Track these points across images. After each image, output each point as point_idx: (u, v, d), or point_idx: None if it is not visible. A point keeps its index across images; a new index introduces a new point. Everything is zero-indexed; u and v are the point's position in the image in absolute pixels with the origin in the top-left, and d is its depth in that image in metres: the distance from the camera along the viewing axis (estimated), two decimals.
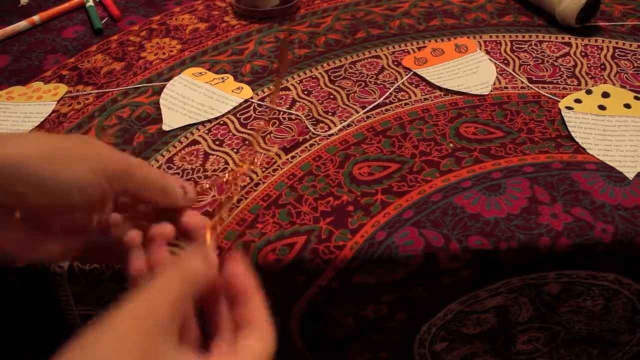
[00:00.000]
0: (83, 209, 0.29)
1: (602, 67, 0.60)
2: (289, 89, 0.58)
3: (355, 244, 0.42)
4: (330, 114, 0.55)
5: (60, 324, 0.45)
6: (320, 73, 0.60)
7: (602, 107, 0.54)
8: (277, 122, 0.54)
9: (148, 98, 0.58)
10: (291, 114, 0.55)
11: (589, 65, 0.60)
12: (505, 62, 0.61)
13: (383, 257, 0.42)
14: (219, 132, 0.53)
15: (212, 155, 0.50)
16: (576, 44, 0.63)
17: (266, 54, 0.64)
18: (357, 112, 0.55)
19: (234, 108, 0.56)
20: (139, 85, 0.60)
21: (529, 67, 0.60)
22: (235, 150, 0.51)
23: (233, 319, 0.28)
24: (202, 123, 0.54)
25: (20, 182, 0.26)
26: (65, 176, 0.27)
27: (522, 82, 0.58)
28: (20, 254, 0.29)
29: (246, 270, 0.29)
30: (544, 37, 0.65)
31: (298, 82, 0.59)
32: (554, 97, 0.56)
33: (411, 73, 0.59)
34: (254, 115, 0.55)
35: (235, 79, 0.59)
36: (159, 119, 0.55)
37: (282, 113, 0.55)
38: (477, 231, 0.42)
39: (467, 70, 0.60)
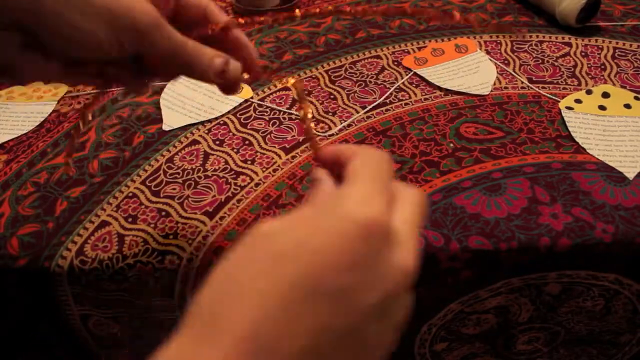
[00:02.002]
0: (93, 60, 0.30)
1: (602, 67, 0.60)
2: (289, 89, 0.58)
3: None
4: (330, 114, 0.55)
5: (60, 324, 0.45)
6: (320, 73, 0.60)
7: (602, 107, 0.54)
8: (277, 122, 0.54)
9: (148, 98, 0.58)
10: (291, 114, 0.55)
11: (589, 65, 0.60)
12: (506, 62, 0.61)
13: None
14: (219, 132, 0.53)
15: (212, 155, 0.50)
16: (576, 44, 0.63)
17: (266, 53, 0.64)
18: (357, 112, 0.55)
19: (234, 108, 0.56)
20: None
21: (529, 67, 0.60)
22: (235, 150, 0.51)
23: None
24: (202, 123, 0.54)
25: (35, 18, 0.26)
26: (82, 31, 0.27)
27: (522, 82, 0.58)
28: (25, 75, 0.30)
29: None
30: (544, 37, 0.65)
31: (298, 82, 0.59)
32: (554, 97, 0.56)
33: (411, 73, 0.59)
34: (254, 115, 0.55)
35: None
36: (159, 119, 0.55)
37: (282, 113, 0.55)
38: (477, 231, 0.42)
39: (467, 70, 0.60)
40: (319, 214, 0.24)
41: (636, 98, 0.55)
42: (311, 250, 0.22)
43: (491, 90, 0.57)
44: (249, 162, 0.49)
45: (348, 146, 0.28)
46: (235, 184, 0.47)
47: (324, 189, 0.27)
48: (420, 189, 0.28)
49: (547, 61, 0.61)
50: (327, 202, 0.25)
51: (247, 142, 0.52)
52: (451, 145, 0.50)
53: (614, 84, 0.57)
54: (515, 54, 0.62)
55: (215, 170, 0.49)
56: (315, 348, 0.21)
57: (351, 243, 0.22)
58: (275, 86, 0.58)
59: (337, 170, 0.28)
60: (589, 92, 0.56)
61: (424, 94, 0.57)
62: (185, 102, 0.57)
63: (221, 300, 0.21)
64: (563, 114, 0.53)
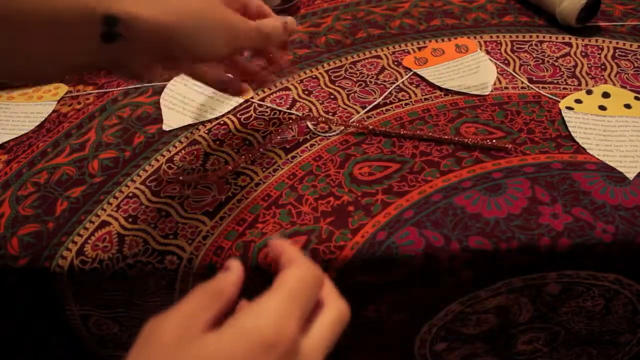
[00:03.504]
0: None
1: (603, 67, 0.60)
2: (289, 89, 0.58)
3: (355, 244, 0.42)
4: (330, 114, 0.55)
5: (60, 324, 0.45)
6: (320, 73, 0.60)
7: (602, 108, 0.54)
8: (277, 122, 0.54)
9: (148, 98, 0.58)
10: (291, 113, 0.55)
11: (589, 65, 0.60)
12: (506, 62, 0.61)
13: (383, 257, 0.42)
14: (219, 132, 0.53)
15: (212, 155, 0.50)
16: (576, 44, 0.63)
17: None
18: (358, 112, 0.55)
19: (234, 108, 0.56)
20: (139, 85, 0.60)
21: (529, 67, 0.60)
22: (235, 150, 0.51)
23: None
24: (202, 123, 0.54)
25: (170, 45, 0.34)
26: (206, 47, 0.36)
27: (522, 82, 0.58)
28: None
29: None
30: (544, 37, 0.65)
31: (298, 82, 0.59)
32: (554, 98, 0.56)
33: (411, 73, 0.59)
34: (254, 115, 0.55)
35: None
36: (159, 119, 0.55)
37: (282, 113, 0.55)
38: (477, 231, 0.42)
39: (468, 70, 0.60)
40: (229, 327, 0.25)
41: (636, 98, 0.55)
42: None
43: (491, 91, 0.57)
44: (249, 162, 0.49)
45: (291, 251, 0.30)
46: (235, 184, 0.47)
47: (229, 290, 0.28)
48: (345, 304, 0.29)
49: (547, 61, 0.61)
50: (238, 317, 0.26)
51: (247, 142, 0.52)
52: (451, 145, 0.50)
53: (614, 84, 0.57)
54: (516, 54, 0.62)
55: (215, 170, 0.49)
56: None
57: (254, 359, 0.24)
58: (275, 86, 0.58)
59: (274, 266, 0.30)
60: (589, 92, 0.56)
61: (424, 94, 0.57)
62: (185, 102, 0.57)
63: None
64: (563, 114, 0.53)
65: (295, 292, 0.27)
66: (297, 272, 0.28)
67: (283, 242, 0.31)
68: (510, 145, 0.47)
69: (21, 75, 0.36)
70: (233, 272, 0.29)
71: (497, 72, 0.59)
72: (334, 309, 0.28)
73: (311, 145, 0.51)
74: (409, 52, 0.63)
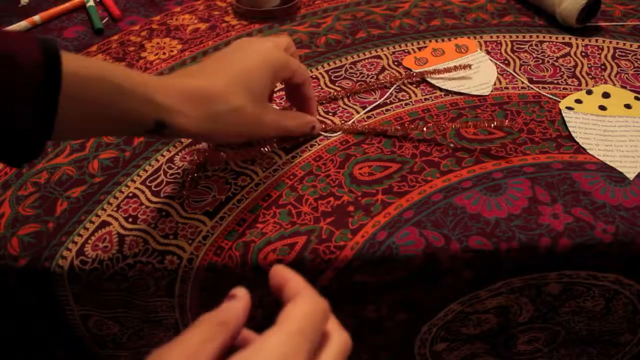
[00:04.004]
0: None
1: (603, 67, 0.60)
2: None
3: (355, 244, 0.42)
4: (330, 114, 0.55)
5: (60, 324, 0.45)
6: (320, 73, 0.60)
7: (602, 108, 0.54)
8: None
9: None
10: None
11: (589, 65, 0.60)
12: (506, 62, 0.61)
13: (383, 257, 0.42)
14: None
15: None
16: (577, 44, 0.63)
17: None
18: (358, 113, 0.55)
19: None
20: None
21: (529, 67, 0.60)
22: (235, 150, 0.51)
23: None
24: None
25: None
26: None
27: (522, 83, 0.58)
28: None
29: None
30: (544, 37, 0.65)
31: None
32: (554, 98, 0.56)
33: (412, 73, 0.59)
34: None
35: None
36: None
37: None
38: (477, 231, 0.42)
39: (468, 70, 0.59)
40: None
41: (636, 98, 0.55)
42: None
43: (491, 91, 0.57)
44: (249, 162, 0.49)
45: (296, 281, 0.28)
46: (235, 184, 0.47)
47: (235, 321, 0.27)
48: (347, 334, 0.28)
49: (548, 61, 0.61)
50: (243, 355, 0.24)
51: (247, 142, 0.52)
52: (451, 145, 0.50)
53: (614, 84, 0.57)
54: (516, 54, 0.62)
55: (215, 170, 0.49)
56: None
57: None
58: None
59: (277, 294, 0.29)
60: (589, 92, 0.56)
61: (424, 94, 0.57)
62: None
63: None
64: (563, 114, 0.53)
65: (302, 329, 0.25)
66: (304, 307, 0.26)
67: (286, 270, 0.29)
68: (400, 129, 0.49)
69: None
70: (239, 302, 0.28)
71: (497, 72, 0.59)
72: (339, 342, 0.27)
73: (311, 145, 0.51)
74: (408, 52, 0.63)
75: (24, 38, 0.32)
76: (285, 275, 0.29)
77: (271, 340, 0.25)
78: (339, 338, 0.28)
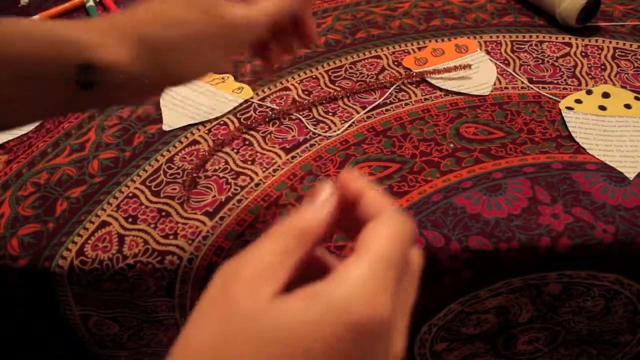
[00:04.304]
0: None
1: (603, 67, 0.60)
2: (289, 89, 0.58)
3: None
4: (330, 114, 0.55)
5: (60, 324, 0.45)
6: (320, 73, 0.60)
7: (602, 108, 0.54)
8: (278, 122, 0.54)
9: None
10: (291, 114, 0.55)
11: (589, 65, 0.60)
12: (506, 62, 0.61)
13: None
14: (219, 132, 0.53)
15: (212, 155, 0.50)
16: (576, 44, 0.63)
17: None
18: (358, 112, 0.55)
19: (234, 108, 0.56)
20: None
21: (529, 67, 0.60)
22: (235, 150, 0.51)
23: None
24: (202, 123, 0.54)
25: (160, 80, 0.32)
26: (203, 70, 0.33)
27: (522, 83, 0.58)
28: None
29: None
30: (544, 37, 0.65)
31: (298, 82, 0.59)
32: (554, 98, 0.56)
33: (412, 73, 0.59)
34: (254, 115, 0.55)
35: (236, 79, 0.59)
36: (159, 119, 0.55)
37: (282, 113, 0.55)
38: (477, 231, 0.42)
39: (468, 70, 0.59)
40: (313, 302, 0.20)
41: (636, 98, 0.55)
42: (301, 347, 0.20)
43: (491, 91, 0.57)
44: (249, 162, 0.49)
45: (374, 195, 0.24)
46: (235, 184, 0.47)
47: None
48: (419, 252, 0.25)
49: (547, 61, 0.61)
50: (324, 287, 0.21)
51: (247, 142, 0.52)
52: (451, 145, 0.50)
53: (614, 84, 0.57)
54: (516, 54, 0.62)
55: (215, 170, 0.49)
56: None
57: (344, 344, 0.20)
58: (276, 86, 0.58)
59: (349, 206, 0.24)
60: (589, 92, 0.56)
61: (424, 94, 0.57)
62: (185, 102, 0.57)
63: None
64: (563, 114, 0.53)
65: (388, 258, 0.21)
66: (389, 229, 0.22)
67: (360, 180, 0.24)
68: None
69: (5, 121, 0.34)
70: (323, 207, 0.23)
71: (497, 72, 0.59)
72: (419, 262, 0.24)
73: (311, 145, 0.51)
74: (408, 52, 0.63)
75: None
76: (359, 187, 0.24)
77: (354, 273, 0.21)
78: (418, 258, 0.24)
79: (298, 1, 0.35)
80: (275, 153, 0.50)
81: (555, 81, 0.58)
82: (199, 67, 0.33)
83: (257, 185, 0.47)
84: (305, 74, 0.60)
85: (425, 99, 0.56)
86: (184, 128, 0.54)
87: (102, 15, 0.32)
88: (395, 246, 0.22)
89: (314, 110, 0.55)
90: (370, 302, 0.20)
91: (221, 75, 0.60)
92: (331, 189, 0.24)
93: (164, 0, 0.31)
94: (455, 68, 0.58)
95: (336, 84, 0.58)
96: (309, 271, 0.23)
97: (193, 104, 0.56)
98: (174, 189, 0.47)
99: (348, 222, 0.24)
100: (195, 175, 0.48)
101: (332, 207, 0.23)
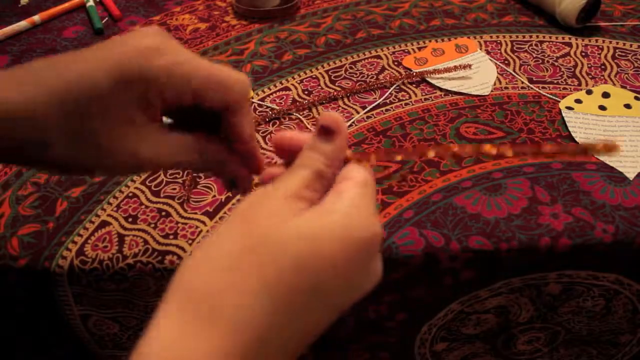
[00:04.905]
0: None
1: (603, 67, 0.60)
2: (289, 89, 0.58)
3: None
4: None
5: (60, 324, 0.45)
6: (320, 73, 0.60)
7: (602, 108, 0.54)
8: (278, 123, 0.54)
9: None
10: (291, 114, 0.55)
11: (589, 65, 0.60)
12: (506, 62, 0.61)
13: (383, 257, 0.41)
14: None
15: None
16: (576, 44, 0.63)
17: (266, 54, 0.64)
18: (358, 112, 0.55)
19: None
20: None
21: (529, 67, 0.60)
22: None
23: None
24: None
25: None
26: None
27: (522, 83, 0.58)
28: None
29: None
30: (544, 37, 0.65)
31: (298, 82, 0.59)
32: (554, 98, 0.56)
33: (412, 73, 0.59)
34: (254, 115, 0.55)
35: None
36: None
37: (282, 113, 0.55)
38: (477, 231, 0.42)
39: (468, 70, 0.59)
40: (327, 220, 0.25)
41: (636, 98, 0.55)
42: (319, 256, 0.23)
43: (491, 91, 0.57)
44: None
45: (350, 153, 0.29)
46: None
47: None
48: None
49: (547, 61, 0.61)
50: (330, 207, 0.25)
51: None
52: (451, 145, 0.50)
53: (614, 84, 0.57)
54: (516, 54, 0.62)
55: None
56: (302, 341, 0.24)
57: (357, 253, 0.25)
58: (275, 86, 0.58)
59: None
60: (589, 92, 0.56)
61: (424, 94, 0.57)
62: None
63: (223, 291, 0.22)
64: (563, 114, 0.53)
65: (371, 183, 0.27)
66: (364, 173, 0.28)
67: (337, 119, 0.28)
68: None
69: None
70: (339, 139, 0.28)
71: (497, 72, 0.59)
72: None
73: None
74: (409, 52, 0.63)
75: None
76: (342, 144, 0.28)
77: (351, 191, 0.26)
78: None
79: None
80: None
81: (555, 81, 0.58)
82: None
83: (257, 185, 0.47)
84: (305, 74, 0.60)
85: (425, 99, 0.56)
86: None
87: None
88: (371, 175, 0.27)
89: (314, 110, 0.55)
90: (367, 222, 0.26)
91: None
92: (339, 119, 0.28)
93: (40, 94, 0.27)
94: (455, 68, 0.58)
95: (336, 84, 0.58)
96: None
97: None
98: (174, 189, 0.47)
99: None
100: (195, 175, 0.48)
101: (344, 137, 0.28)
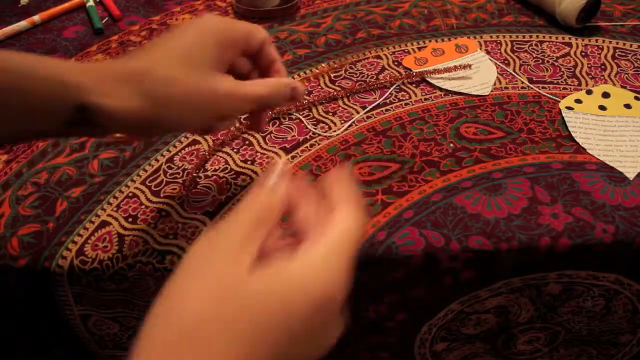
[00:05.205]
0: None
1: (603, 67, 0.60)
2: None
3: None
4: (330, 114, 0.55)
5: (60, 324, 0.45)
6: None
7: (602, 108, 0.54)
8: (277, 123, 0.54)
9: None
10: (291, 114, 0.55)
11: (589, 65, 0.60)
12: (506, 62, 0.61)
13: (383, 257, 0.42)
14: (219, 132, 0.53)
15: (213, 155, 0.50)
16: (576, 44, 0.63)
17: None
18: (358, 112, 0.55)
19: None
20: None
21: (529, 67, 0.60)
22: (235, 150, 0.51)
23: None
24: None
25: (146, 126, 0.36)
26: (185, 126, 0.40)
27: (522, 82, 0.58)
28: None
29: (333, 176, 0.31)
30: (544, 37, 0.65)
31: (298, 82, 0.59)
32: (554, 97, 0.56)
33: (412, 73, 0.59)
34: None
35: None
36: None
37: (282, 113, 0.55)
38: (477, 231, 0.42)
39: (468, 70, 0.59)
40: (285, 276, 0.25)
41: (636, 98, 0.55)
42: (280, 311, 0.25)
43: (491, 91, 0.57)
44: (249, 162, 0.49)
45: (340, 190, 0.29)
46: (235, 184, 0.47)
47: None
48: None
49: (547, 61, 0.61)
50: (292, 265, 0.26)
51: (247, 142, 0.52)
52: (451, 145, 0.50)
53: (614, 84, 0.57)
54: (516, 54, 0.62)
55: (215, 170, 0.49)
56: None
57: (314, 314, 0.25)
58: None
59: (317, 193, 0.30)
60: (589, 92, 0.56)
61: (424, 94, 0.57)
62: None
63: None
64: (563, 114, 0.53)
65: (347, 245, 0.27)
66: (347, 220, 0.28)
67: (339, 175, 0.30)
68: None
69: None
70: (283, 183, 0.29)
71: (497, 72, 0.59)
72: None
73: (311, 146, 0.51)
74: (409, 52, 0.63)
75: None
76: (335, 181, 0.30)
77: (317, 254, 0.26)
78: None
79: (281, 97, 0.38)
80: (275, 153, 0.50)
81: (555, 81, 0.58)
82: (189, 123, 0.38)
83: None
84: (305, 73, 0.60)
85: (425, 99, 0.56)
86: None
87: (105, 61, 0.37)
88: (351, 237, 0.27)
89: (314, 110, 0.55)
90: (332, 283, 0.26)
91: None
92: (281, 169, 0.29)
93: (164, 54, 0.34)
94: (455, 68, 0.58)
95: (336, 84, 0.58)
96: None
97: None
98: (174, 189, 0.47)
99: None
100: (195, 175, 0.48)
101: (285, 186, 0.29)
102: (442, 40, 0.65)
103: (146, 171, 0.49)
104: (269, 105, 0.42)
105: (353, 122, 0.53)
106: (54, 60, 0.33)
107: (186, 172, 0.48)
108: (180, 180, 0.48)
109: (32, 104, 0.31)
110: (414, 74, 0.59)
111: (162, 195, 0.47)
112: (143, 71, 0.33)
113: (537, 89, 0.57)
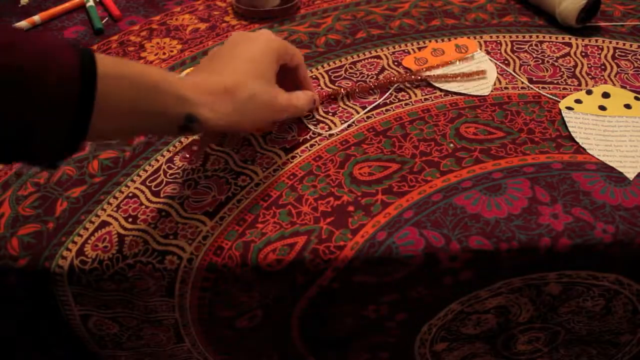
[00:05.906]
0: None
1: (603, 67, 0.60)
2: None
3: (355, 244, 0.42)
4: (330, 114, 0.55)
5: (60, 324, 0.45)
6: (320, 73, 0.60)
7: (602, 108, 0.54)
8: (277, 122, 0.54)
9: None
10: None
11: (589, 65, 0.60)
12: (506, 62, 0.61)
13: (383, 257, 0.42)
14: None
15: (212, 155, 0.50)
16: (576, 44, 0.63)
17: None
18: (358, 113, 0.55)
19: None
20: None
21: (529, 67, 0.60)
22: (235, 150, 0.51)
23: None
24: None
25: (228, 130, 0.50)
26: (254, 128, 0.49)
27: (522, 83, 0.58)
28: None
29: None
30: (544, 37, 0.65)
31: None
32: (554, 98, 0.56)
33: (415, 76, 0.59)
34: None
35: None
36: None
37: None
38: (477, 231, 0.42)
39: (468, 70, 0.59)
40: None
41: (636, 98, 0.55)
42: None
43: (491, 91, 0.57)
44: (249, 162, 0.49)
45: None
46: (235, 184, 0.47)
47: None
48: None
49: (547, 61, 0.61)
50: None
51: (247, 142, 0.52)
52: (451, 145, 0.50)
53: (614, 84, 0.57)
54: (516, 54, 0.62)
55: (215, 170, 0.49)
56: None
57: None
58: None
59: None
60: (589, 92, 0.56)
61: (424, 94, 0.57)
62: None
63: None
64: (563, 114, 0.53)
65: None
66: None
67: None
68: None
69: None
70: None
71: (497, 72, 0.59)
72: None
73: (311, 146, 0.51)
74: (409, 52, 0.63)
75: (56, 40, 0.33)
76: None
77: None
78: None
79: (310, 107, 0.51)
80: (275, 153, 0.50)
81: (555, 81, 0.58)
82: (256, 127, 0.47)
83: (257, 185, 0.47)
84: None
85: (425, 99, 0.56)
86: None
87: (197, 74, 0.45)
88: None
89: (314, 110, 0.55)
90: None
91: None
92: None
93: (244, 71, 0.43)
94: (472, 74, 0.58)
95: (336, 84, 0.58)
96: None
97: None
98: (174, 189, 0.47)
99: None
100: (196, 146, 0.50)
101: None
102: (442, 41, 0.65)
103: (146, 171, 0.49)
104: (302, 114, 0.53)
105: (353, 122, 0.53)
106: (168, 74, 0.40)
107: (191, 144, 0.48)
108: (180, 181, 0.48)
109: (154, 110, 0.37)
110: (419, 77, 0.58)
111: (162, 195, 0.47)
112: (233, 88, 0.41)
113: (537, 89, 0.57)
